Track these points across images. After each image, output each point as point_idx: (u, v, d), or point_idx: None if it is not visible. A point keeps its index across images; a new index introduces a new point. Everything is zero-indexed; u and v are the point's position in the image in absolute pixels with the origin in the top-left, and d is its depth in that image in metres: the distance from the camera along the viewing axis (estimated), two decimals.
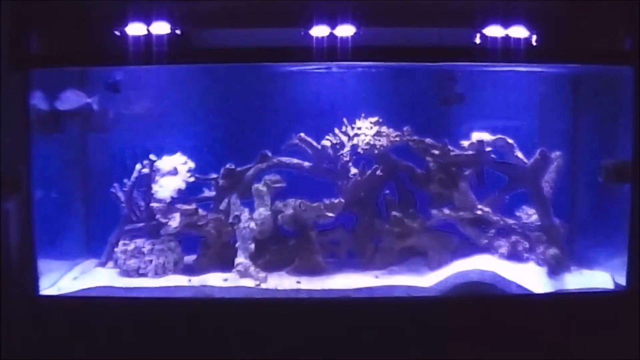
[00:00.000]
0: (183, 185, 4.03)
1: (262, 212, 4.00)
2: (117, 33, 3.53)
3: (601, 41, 3.67)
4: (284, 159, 4.17)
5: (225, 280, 3.80)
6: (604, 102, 4.12)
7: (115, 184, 4.08)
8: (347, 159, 4.06)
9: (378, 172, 4.06)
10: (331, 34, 3.51)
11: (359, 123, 4.07)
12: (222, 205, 4.08)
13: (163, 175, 4.04)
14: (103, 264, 4.11)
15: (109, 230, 4.14)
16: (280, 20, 3.61)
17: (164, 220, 3.93)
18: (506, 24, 3.54)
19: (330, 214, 3.96)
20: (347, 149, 4.05)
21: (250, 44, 3.67)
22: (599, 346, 3.54)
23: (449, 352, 3.58)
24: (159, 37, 3.54)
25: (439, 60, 3.75)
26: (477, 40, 3.61)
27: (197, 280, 3.81)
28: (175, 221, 3.93)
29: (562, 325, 3.60)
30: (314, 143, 4.10)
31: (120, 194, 4.06)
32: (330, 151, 4.09)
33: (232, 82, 4.29)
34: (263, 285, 3.76)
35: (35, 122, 3.68)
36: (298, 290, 3.75)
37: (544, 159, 3.93)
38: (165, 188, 3.99)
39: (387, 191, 4.14)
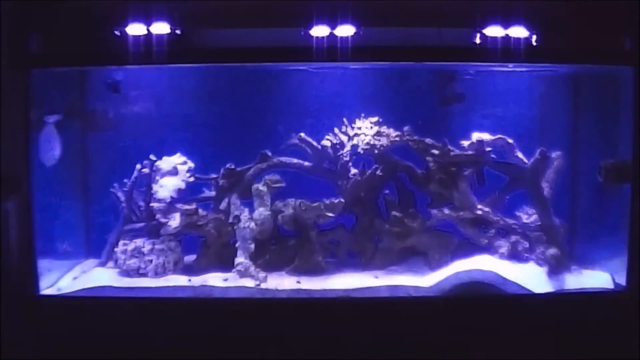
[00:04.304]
0: (183, 185, 4.03)
1: (262, 212, 4.00)
2: (117, 33, 3.53)
3: (601, 41, 3.67)
4: (284, 159, 4.16)
5: (225, 280, 3.80)
6: (604, 102, 4.12)
7: (115, 184, 4.08)
8: (347, 159, 4.06)
9: (378, 172, 4.06)
10: (331, 34, 3.51)
11: (359, 123, 4.07)
12: (222, 205, 4.08)
13: (163, 175, 4.05)
14: (103, 264, 4.11)
15: (109, 230, 4.14)
16: (280, 20, 3.61)
17: (164, 220, 3.93)
18: (506, 24, 3.55)
19: (330, 214, 3.97)
20: (347, 149, 4.05)
21: (250, 44, 3.67)
22: (599, 346, 3.54)
23: (449, 352, 3.58)
24: (159, 37, 3.54)
25: (439, 60, 3.75)
26: (477, 40, 3.61)
27: (197, 280, 3.81)
28: (175, 221, 3.93)
29: (562, 325, 3.60)
30: (314, 143, 4.10)
31: (120, 194, 4.06)
32: (330, 151, 4.09)
33: (232, 81, 4.29)
34: (263, 285, 3.76)
35: (35, 122, 3.69)
36: (298, 290, 3.75)
37: (544, 159, 3.93)
38: (165, 188, 3.99)
39: (387, 191, 4.14)
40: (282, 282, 3.83)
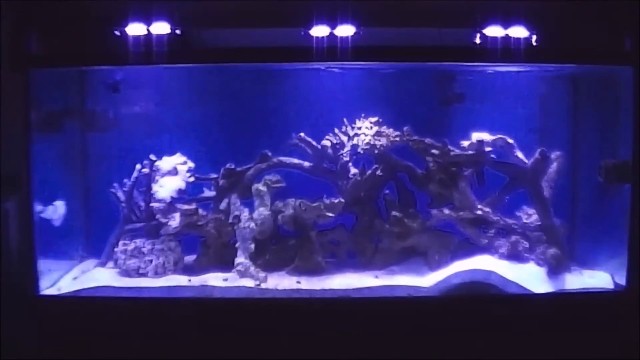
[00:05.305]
0: (183, 185, 4.03)
1: (262, 212, 4.00)
2: (117, 33, 3.54)
3: (601, 41, 3.67)
4: (284, 159, 4.16)
5: (225, 280, 3.80)
6: (603, 102, 4.12)
7: (115, 184, 4.08)
8: (347, 159, 4.06)
9: (378, 172, 4.06)
10: (331, 34, 3.51)
11: (359, 123, 4.07)
12: (222, 205, 4.08)
13: (163, 175, 4.04)
14: (103, 264, 4.11)
15: (109, 230, 4.14)
16: (280, 20, 3.61)
17: (164, 220, 3.93)
18: (506, 24, 3.55)
19: (330, 214, 3.96)
20: (347, 149, 4.05)
21: (250, 44, 3.67)
22: (599, 346, 3.54)
23: (449, 352, 3.58)
24: (159, 37, 3.54)
25: (439, 60, 3.75)
26: (477, 40, 3.62)
27: (197, 280, 3.81)
28: (175, 221, 3.93)
29: (562, 325, 3.60)
30: (314, 143, 4.10)
31: (120, 194, 4.06)
32: (330, 151, 4.09)
33: (232, 81, 4.29)
34: (263, 285, 3.76)
35: (35, 122, 3.68)
36: (298, 290, 3.75)
37: (544, 159, 3.92)
38: (165, 188, 3.99)
39: (387, 191, 4.14)
40: (282, 282, 3.83)
